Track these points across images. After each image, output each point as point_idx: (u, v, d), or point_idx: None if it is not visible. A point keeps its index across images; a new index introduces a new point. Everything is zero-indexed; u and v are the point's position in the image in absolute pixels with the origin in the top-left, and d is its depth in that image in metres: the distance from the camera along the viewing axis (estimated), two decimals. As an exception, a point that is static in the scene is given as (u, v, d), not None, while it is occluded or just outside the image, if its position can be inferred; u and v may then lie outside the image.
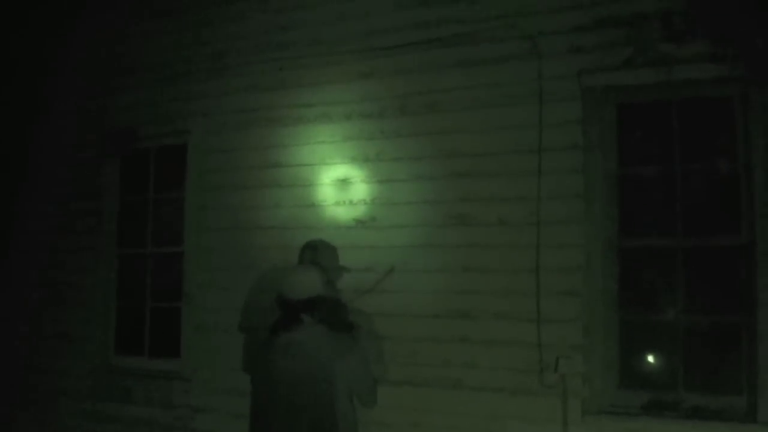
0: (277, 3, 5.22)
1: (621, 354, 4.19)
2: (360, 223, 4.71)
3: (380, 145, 4.70)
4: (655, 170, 4.23)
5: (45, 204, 6.18)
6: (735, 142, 4.03)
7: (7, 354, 6.26)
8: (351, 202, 4.75)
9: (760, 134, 3.87)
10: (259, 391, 3.58)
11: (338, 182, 4.80)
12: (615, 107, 4.27)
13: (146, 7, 5.82)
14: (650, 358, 4.28)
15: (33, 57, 6.35)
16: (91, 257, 5.89)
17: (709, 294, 4.11)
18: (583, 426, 4.03)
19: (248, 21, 5.32)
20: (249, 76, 5.23)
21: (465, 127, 4.46)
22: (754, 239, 3.88)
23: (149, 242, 5.82)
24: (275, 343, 3.49)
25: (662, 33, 4.07)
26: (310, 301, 3.44)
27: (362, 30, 4.85)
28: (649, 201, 4.29)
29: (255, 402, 3.62)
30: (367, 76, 4.80)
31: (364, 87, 4.80)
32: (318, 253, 4.24)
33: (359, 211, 4.73)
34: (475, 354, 4.32)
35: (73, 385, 5.81)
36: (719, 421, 3.85)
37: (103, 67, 5.95)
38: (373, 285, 4.53)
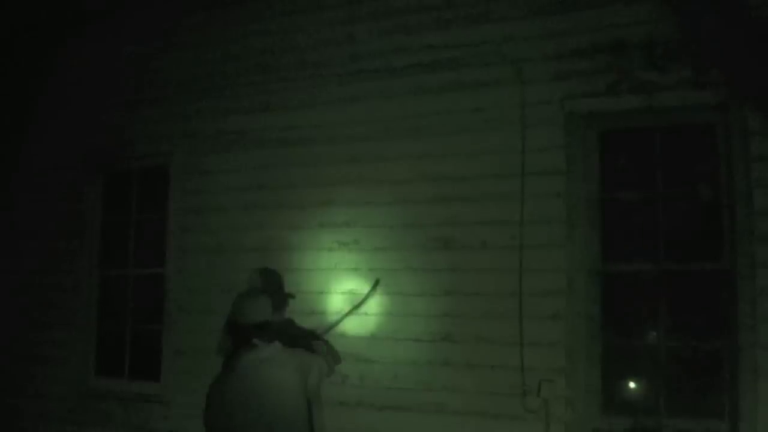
0: (262, 26, 5.24)
1: (604, 378, 4.20)
2: (342, 246, 4.71)
3: (364, 167, 4.71)
4: (637, 195, 4.28)
5: (26, 223, 6.12)
6: (717, 169, 4.08)
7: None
8: (334, 225, 4.75)
9: (742, 160, 3.91)
10: (227, 418, 3.57)
11: (321, 205, 4.80)
12: (597, 133, 4.32)
13: (130, 31, 5.80)
14: (633, 382, 4.30)
15: (21, 76, 6.33)
16: (72, 278, 5.84)
17: (690, 318, 4.14)
18: (566, 450, 4.03)
19: (234, 44, 5.33)
20: (233, 98, 5.24)
21: (448, 151, 4.49)
22: (735, 264, 3.92)
23: (131, 263, 5.78)
24: (235, 366, 3.53)
25: (645, 60, 4.13)
26: (260, 325, 3.50)
27: (347, 54, 4.88)
28: (632, 226, 4.32)
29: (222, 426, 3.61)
30: (352, 100, 4.82)
31: (349, 110, 4.81)
32: (265, 278, 4.24)
33: (342, 234, 4.72)
34: (458, 378, 4.32)
35: (54, 407, 5.72)
36: (702, 447, 3.86)
37: (88, 89, 5.92)
38: (361, 299, 4.54)
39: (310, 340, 4.10)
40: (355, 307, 4.53)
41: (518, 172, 4.28)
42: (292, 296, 4.30)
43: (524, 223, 4.24)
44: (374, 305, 4.54)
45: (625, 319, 4.26)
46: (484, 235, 4.34)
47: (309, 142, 4.91)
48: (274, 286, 4.08)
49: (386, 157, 4.66)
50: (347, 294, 4.62)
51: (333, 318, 4.56)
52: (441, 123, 4.53)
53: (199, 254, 5.21)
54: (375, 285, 4.53)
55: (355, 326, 4.54)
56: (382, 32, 4.80)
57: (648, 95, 4.10)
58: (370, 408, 4.48)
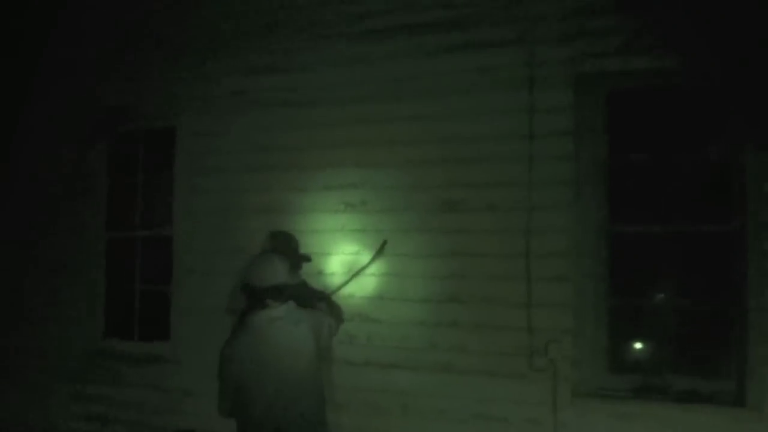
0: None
1: (610, 338, 4.23)
2: (349, 207, 4.70)
3: (370, 129, 4.68)
4: (645, 157, 4.26)
5: (32, 186, 6.12)
6: (726, 129, 4.05)
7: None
8: (340, 186, 4.74)
9: (752, 120, 3.88)
10: (241, 373, 3.63)
11: (327, 166, 4.78)
12: (606, 93, 4.28)
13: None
14: (639, 343, 4.32)
15: (24, 37, 6.27)
16: (79, 240, 5.86)
17: (698, 279, 4.15)
18: (572, 409, 4.08)
19: (239, 3, 5.26)
20: (239, 58, 5.19)
21: (456, 112, 4.46)
22: (744, 225, 3.92)
23: (138, 225, 5.79)
24: (249, 325, 3.61)
25: (654, 20, 4.06)
26: (275, 288, 3.56)
27: (355, 13, 4.82)
28: (640, 187, 4.31)
29: (238, 383, 3.67)
30: (358, 60, 4.77)
31: (356, 71, 4.77)
32: (280, 241, 4.25)
33: (348, 195, 4.72)
34: (465, 338, 4.35)
35: (63, 368, 5.79)
36: (708, 405, 3.91)
37: (93, 49, 5.87)
38: (369, 261, 4.55)
39: (317, 300, 4.16)
40: (363, 269, 4.55)
41: (526, 133, 4.25)
42: (307, 259, 4.33)
43: (532, 185, 4.22)
44: (381, 266, 4.55)
45: (632, 280, 4.26)
46: (491, 196, 4.33)
47: (314, 104, 4.87)
48: (289, 249, 4.10)
49: (393, 119, 4.62)
50: (354, 255, 4.63)
51: (340, 279, 4.59)
52: (449, 84, 4.48)
53: (206, 216, 5.21)
54: (382, 246, 4.54)
55: (362, 287, 4.57)
56: (391, -10, 4.74)
57: (657, 55, 4.04)
58: (377, 367, 4.52)
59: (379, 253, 4.53)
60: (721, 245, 4.06)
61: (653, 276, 4.24)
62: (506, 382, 4.23)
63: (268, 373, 3.58)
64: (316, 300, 4.20)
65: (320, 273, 4.69)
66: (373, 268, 4.56)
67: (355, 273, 4.55)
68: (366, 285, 4.55)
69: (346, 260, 4.66)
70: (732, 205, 4.02)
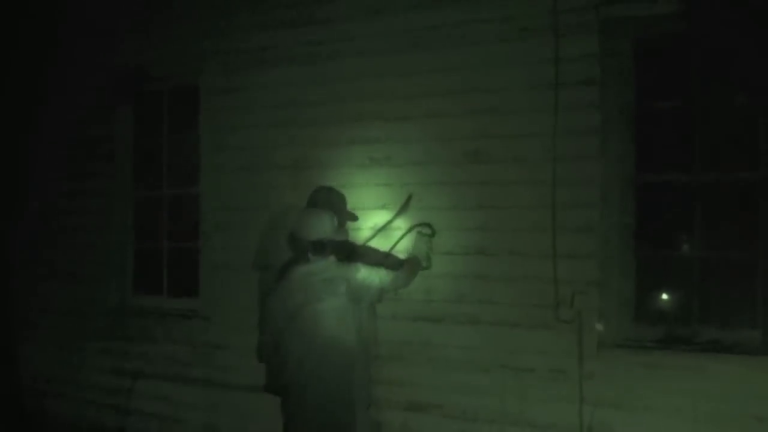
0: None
1: (637, 289, 4.22)
2: (374, 161, 4.70)
3: (394, 82, 4.64)
4: (672, 105, 4.19)
5: (58, 148, 6.18)
6: (755, 76, 3.96)
7: (26, 296, 6.37)
8: (365, 141, 4.73)
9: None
10: (275, 325, 3.69)
11: (352, 120, 4.77)
12: (632, 40, 4.19)
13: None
14: (665, 294, 4.31)
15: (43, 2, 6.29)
16: (107, 200, 5.93)
17: (725, 230, 4.11)
18: (598, 360, 4.08)
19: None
20: (260, 12, 5.17)
21: (479, 63, 4.39)
22: (772, 173, 3.85)
23: (165, 184, 5.84)
24: (287, 277, 3.65)
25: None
26: (320, 243, 3.60)
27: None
28: (667, 136, 4.25)
29: (273, 336, 3.73)
30: (379, 11, 4.72)
31: (377, 22, 4.72)
32: (330, 196, 4.25)
33: (373, 150, 4.71)
34: (492, 290, 4.36)
35: (96, 325, 5.92)
36: (733, 355, 3.89)
37: (113, 9, 5.86)
38: (395, 214, 4.56)
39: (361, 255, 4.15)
40: (389, 222, 4.56)
41: (551, 82, 4.18)
42: (354, 217, 4.33)
43: (557, 135, 4.16)
44: (407, 220, 4.54)
45: (659, 230, 4.24)
46: (516, 147, 4.29)
47: (338, 57, 4.84)
48: (336, 205, 4.11)
49: (415, 71, 4.58)
50: (380, 209, 4.64)
51: (367, 233, 4.60)
52: (471, 33, 4.41)
53: (232, 172, 5.24)
54: (408, 200, 4.54)
55: (389, 241, 4.55)
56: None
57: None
58: (404, 320, 4.55)
59: (405, 207, 4.53)
60: (749, 194, 4.00)
61: (680, 226, 4.21)
62: (533, 333, 4.23)
63: (298, 329, 3.62)
64: (376, 258, 4.20)
65: (347, 228, 4.68)
66: (399, 222, 4.55)
67: (381, 227, 4.56)
68: (392, 239, 4.54)
69: (373, 215, 4.66)
70: (760, 152, 3.95)
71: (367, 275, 3.71)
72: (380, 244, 4.51)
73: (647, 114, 4.21)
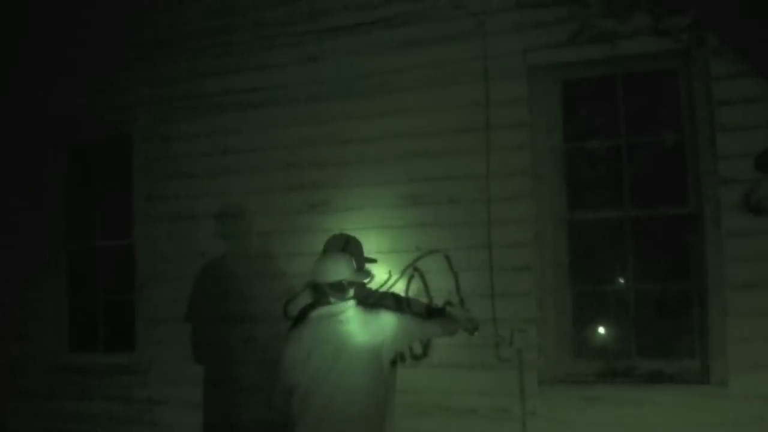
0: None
1: (575, 325, 4.30)
2: (311, 207, 4.69)
3: (329, 127, 4.68)
4: (601, 144, 4.33)
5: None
6: (679, 114, 4.13)
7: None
8: (301, 187, 4.73)
9: (705, 106, 3.95)
10: (293, 369, 3.56)
11: (287, 167, 4.77)
12: (560, 84, 4.35)
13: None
14: (604, 328, 4.38)
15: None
16: (39, 253, 5.76)
17: (658, 262, 4.24)
18: (540, 396, 4.12)
19: (190, 5, 5.22)
20: (192, 61, 5.15)
21: (413, 107, 4.47)
22: (701, 208, 3.99)
23: (99, 235, 5.72)
24: (307, 320, 3.56)
25: (604, 9, 4.14)
26: (339, 284, 3.51)
27: (308, 12, 4.81)
28: (597, 174, 4.39)
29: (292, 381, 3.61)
30: (313, 59, 4.77)
31: (310, 69, 4.77)
32: (343, 241, 4.22)
33: (310, 195, 4.71)
34: (432, 332, 4.36)
35: (31, 383, 5.69)
36: (673, 385, 3.99)
37: (46, 57, 5.78)
38: None
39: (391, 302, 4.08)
40: None
41: (483, 125, 4.28)
42: (373, 260, 4.28)
43: (491, 176, 4.25)
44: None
45: (593, 266, 4.33)
46: (452, 189, 4.36)
47: (271, 104, 4.86)
48: (353, 248, 4.07)
49: (350, 116, 4.63)
50: (318, 255, 4.59)
51: (305, 279, 4.56)
52: (404, 79, 4.50)
53: (166, 222, 5.16)
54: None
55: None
56: (342, -12, 4.74)
57: (609, 44, 4.11)
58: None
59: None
60: (679, 228, 4.13)
61: (614, 261, 4.30)
62: (474, 373, 4.25)
63: (323, 372, 3.49)
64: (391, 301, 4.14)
65: (284, 275, 4.68)
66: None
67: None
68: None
69: (311, 261, 4.62)
70: (688, 188, 4.08)
71: (406, 323, 3.62)
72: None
73: (577, 153, 4.34)
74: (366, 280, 3.82)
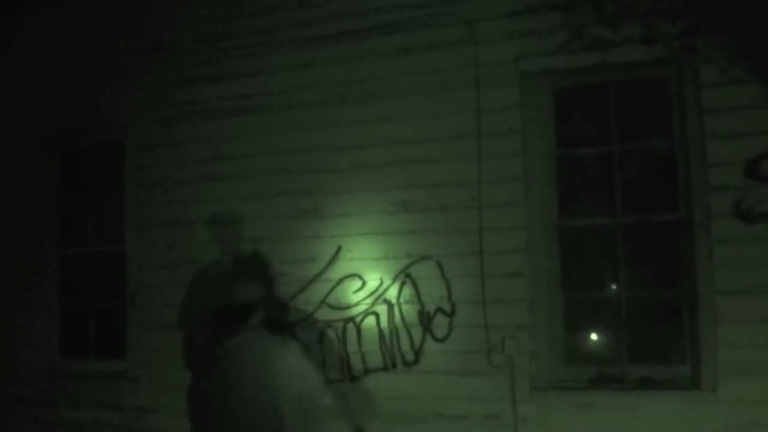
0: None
1: (566, 331, 4.30)
2: (303, 213, 4.69)
3: (321, 134, 4.69)
4: (592, 151, 4.34)
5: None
6: (670, 122, 4.15)
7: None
8: (293, 193, 4.73)
9: (695, 112, 3.99)
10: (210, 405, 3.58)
11: (280, 173, 4.77)
12: (551, 91, 4.36)
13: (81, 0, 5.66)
14: (595, 334, 4.39)
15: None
16: (31, 259, 5.75)
17: (649, 269, 4.26)
18: (532, 402, 4.14)
19: (186, 11, 5.23)
20: (186, 67, 5.16)
21: (404, 114, 4.49)
22: (691, 215, 4.01)
23: (90, 241, 5.71)
24: (218, 354, 3.56)
25: (596, 17, 4.17)
26: (249, 306, 3.51)
27: (301, 18, 4.83)
28: (588, 181, 4.40)
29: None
30: (306, 66, 4.78)
31: (303, 76, 4.78)
32: (251, 260, 4.24)
33: (302, 202, 4.71)
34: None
35: (22, 390, 5.66)
36: (664, 391, 4.01)
37: (39, 63, 5.77)
38: (324, 267, 4.57)
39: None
40: (318, 275, 4.55)
41: (475, 132, 4.31)
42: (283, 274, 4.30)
43: (482, 183, 4.28)
44: (337, 271, 4.56)
45: (585, 272, 4.34)
46: (443, 196, 4.37)
47: (264, 110, 4.86)
48: (259, 268, 4.08)
49: (343, 123, 4.64)
50: (309, 262, 4.62)
51: (296, 286, 4.59)
52: (396, 86, 4.52)
53: (158, 228, 5.15)
54: (337, 252, 4.55)
55: (317, 293, 4.57)
56: (336, -5, 4.76)
57: (600, 52, 4.15)
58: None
59: (334, 258, 4.54)
60: (670, 234, 4.14)
61: (605, 267, 4.31)
62: (466, 379, 4.26)
63: (243, 404, 3.50)
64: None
65: (275, 281, 4.68)
66: (329, 274, 4.56)
67: (311, 279, 4.55)
68: (322, 291, 4.55)
69: (302, 267, 4.65)
70: (679, 194, 4.10)
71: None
72: (310, 296, 4.50)
73: (569, 160, 4.36)
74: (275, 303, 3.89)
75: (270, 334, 3.59)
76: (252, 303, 3.57)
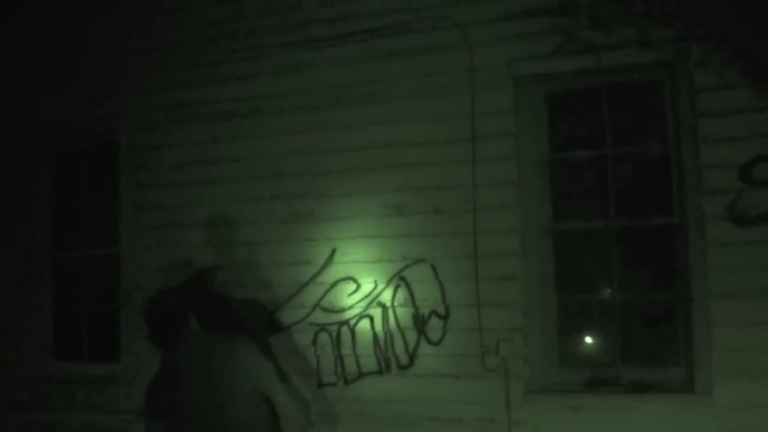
0: (207, -4, 5.16)
1: (560, 334, 4.31)
2: (297, 217, 4.69)
3: (316, 137, 4.68)
4: (586, 154, 4.34)
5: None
6: (665, 125, 4.16)
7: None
8: (287, 196, 4.72)
9: (689, 116, 4.00)
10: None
11: (273, 176, 4.76)
12: (545, 94, 4.37)
13: (75, 3, 5.65)
14: (589, 337, 4.39)
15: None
16: (25, 262, 5.73)
17: (643, 272, 4.25)
18: (526, 406, 4.14)
19: (178, 16, 5.22)
20: (180, 71, 5.15)
21: (398, 118, 4.49)
22: (685, 218, 4.02)
23: (85, 244, 5.70)
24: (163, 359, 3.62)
25: (590, 21, 4.18)
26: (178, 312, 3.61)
27: (294, 22, 4.82)
28: (582, 184, 4.40)
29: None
30: (300, 69, 4.78)
31: (297, 79, 4.78)
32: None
33: (296, 205, 4.70)
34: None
35: (15, 394, 5.65)
36: (658, 394, 4.01)
37: (34, 66, 5.76)
38: (318, 269, 4.57)
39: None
40: (312, 278, 4.55)
41: (469, 136, 4.31)
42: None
43: (477, 187, 4.28)
44: (331, 274, 4.56)
45: (579, 275, 4.34)
46: (438, 199, 4.37)
47: (258, 114, 4.85)
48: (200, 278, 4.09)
49: (337, 126, 4.63)
50: (303, 265, 4.62)
51: (289, 290, 4.59)
52: (390, 89, 4.52)
53: (153, 231, 5.14)
54: (331, 255, 4.55)
55: (311, 296, 4.57)
56: (328, -1, 4.76)
57: (594, 55, 4.15)
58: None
59: (329, 262, 4.54)
60: (664, 237, 4.15)
61: (599, 271, 4.31)
62: (460, 382, 4.26)
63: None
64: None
65: (270, 285, 4.68)
66: (323, 277, 4.56)
67: (305, 282, 4.55)
68: (316, 294, 4.55)
69: (296, 270, 4.65)
70: (672, 198, 4.12)
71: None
72: (304, 299, 4.51)
73: (563, 163, 4.36)
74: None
75: (214, 336, 3.58)
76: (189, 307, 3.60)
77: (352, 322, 4.52)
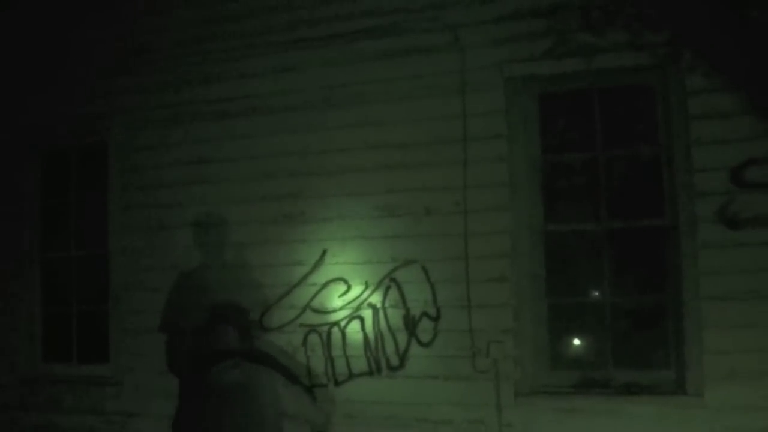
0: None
1: (551, 336, 4.30)
2: (287, 218, 4.68)
3: (306, 138, 4.67)
4: (578, 156, 4.35)
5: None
6: (656, 128, 4.17)
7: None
8: (278, 197, 4.70)
9: (680, 119, 4.01)
10: None
11: (264, 177, 4.75)
12: (537, 96, 4.37)
13: (65, 1, 5.61)
14: (580, 339, 4.39)
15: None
16: (14, 263, 5.69)
17: (634, 274, 4.27)
18: (516, 407, 4.14)
19: (169, 15, 5.19)
20: (170, 70, 5.12)
21: (390, 119, 4.49)
22: (676, 221, 4.02)
23: (73, 244, 5.66)
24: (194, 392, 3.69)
25: (581, 23, 4.18)
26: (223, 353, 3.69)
27: (286, 22, 4.81)
28: (574, 186, 4.40)
29: None
30: (291, 69, 4.76)
31: (288, 79, 4.76)
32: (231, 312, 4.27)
33: (286, 206, 4.69)
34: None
35: (4, 396, 5.61)
36: (649, 396, 4.01)
37: (21, 64, 5.73)
38: (309, 270, 4.56)
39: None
40: (303, 279, 4.54)
41: (460, 137, 4.31)
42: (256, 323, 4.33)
43: (468, 188, 4.27)
44: (322, 276, 4.55)
45: (570, 277, 4.34)
46: (429, 201, 4.37)
47: (248, 114, 4.84)
48: (237, 315, 4.10)
49: (328, 126, 4.62)
50: (294, 266, 4.60)
51: (280, 291, 4.57)
52: (382, 90, 4.51)
53: (142, 231, 5.11)
54: (322, 256, 4.54)
55: (302, 297, 4.56)
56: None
57: (586, 58, 4.15)
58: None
59: (319, 263, 4.53)
60: (655, 240, 4.15)
61: (590, 273, 4.32)
62: (451, 384, 4.26)
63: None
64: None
65: (260, 286, 4.66)
66: (314, 278, 4.54)
67: (296, 284, 4.54)
68: (307, 295, 4.54)
69: (287, 271, 4.63)
70: (664, 200, 4.12)
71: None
72: (295, 300, 4.49)
73: (554, 166, 4.36)
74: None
75: (254, 367, 3.66)
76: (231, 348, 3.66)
77: (343, 323, 4.51)
